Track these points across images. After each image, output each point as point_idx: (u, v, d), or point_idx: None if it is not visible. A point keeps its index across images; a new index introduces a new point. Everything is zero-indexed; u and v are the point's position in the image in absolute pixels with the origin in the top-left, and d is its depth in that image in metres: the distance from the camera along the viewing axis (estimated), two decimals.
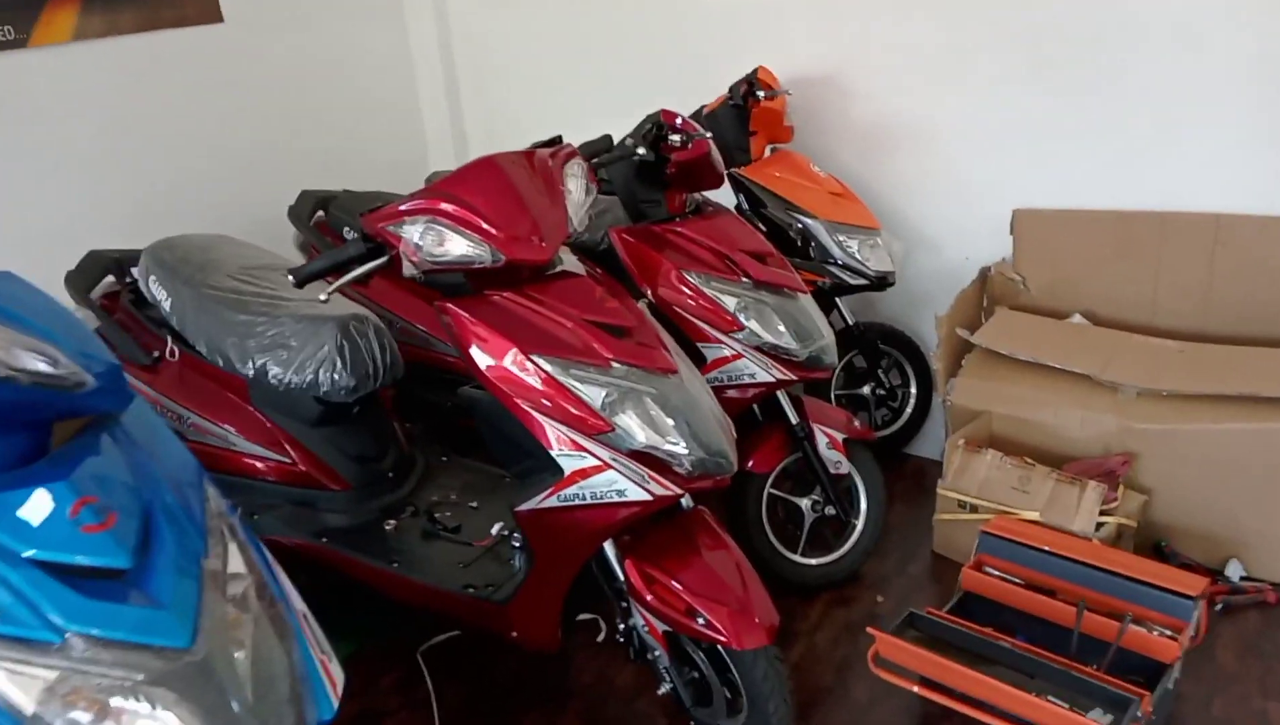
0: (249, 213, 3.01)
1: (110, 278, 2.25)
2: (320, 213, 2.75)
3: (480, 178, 1.67)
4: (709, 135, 2.14)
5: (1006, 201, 2.80)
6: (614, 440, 1.62)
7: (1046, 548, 2.08)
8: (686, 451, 1.64)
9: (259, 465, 2.09)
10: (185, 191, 2.92)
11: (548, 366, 1.62)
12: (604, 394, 1.62)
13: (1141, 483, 2.35)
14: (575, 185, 1.79)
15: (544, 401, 1.61)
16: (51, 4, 2.55)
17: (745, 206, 2.79)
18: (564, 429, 1.62)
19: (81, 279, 2.18)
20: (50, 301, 1.15)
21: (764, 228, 2.75)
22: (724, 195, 2.48)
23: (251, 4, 3.05)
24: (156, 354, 2.13)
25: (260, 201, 2.97)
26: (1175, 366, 2.39)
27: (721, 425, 1.72)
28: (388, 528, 2.11)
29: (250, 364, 1.98)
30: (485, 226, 1.62)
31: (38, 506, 1.01)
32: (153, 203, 2.84)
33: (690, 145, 2.11)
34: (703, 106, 2.84)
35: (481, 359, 1.64)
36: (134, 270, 2.21)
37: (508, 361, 1.62)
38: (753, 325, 2.13)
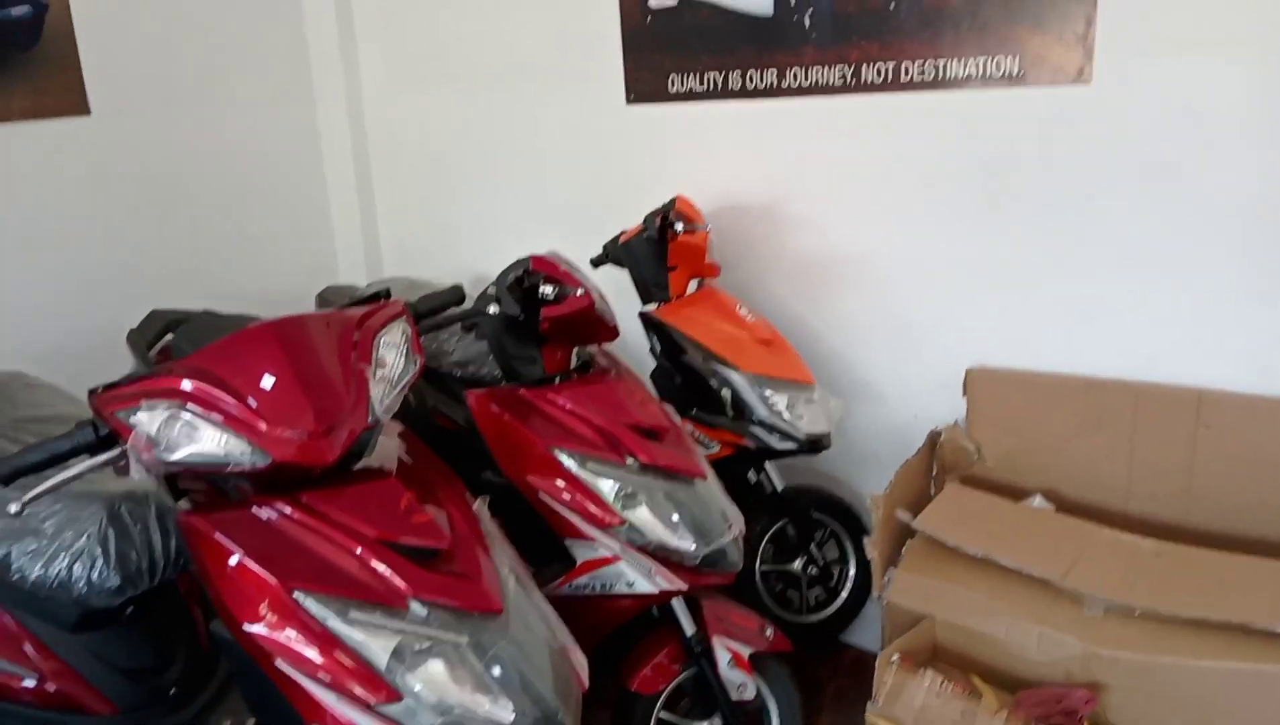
0: (104, 334, 2.62)
1: None
2: (170, 336, 2.37)
3: (249, 350, 1.29)
4: (593, 290, 1.77)
5: (961, 354, 2.45)
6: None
7: None
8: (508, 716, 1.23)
9: None
10: (31, 309, 2.54)
11: (317, 609, 1.21)
12: (392, 645, 1.21)
13: (1110, 722, 1.94)
14: (392, 357, 1.41)
15: (318, 663, 1.20)
16: None
17: (659, 352, 2.42)
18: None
19: None
20: None
21: (680, 378, 2.38)
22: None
23: (124, 92, 2.71)
24: None
25: (120, 321, 2.59)
26: (1151, 576, 2.00)
27: (547, 696, 1.30)
28: None
29: None
30: (248, 417, 1.23)
31: None
32: None
33: (566, 300, 1.74)
34: (621, 232, 2.50)
35: (231, 594, 1.23)
36: None
37: (264, 608, 1.21)
38: (637, 517, 1.74)
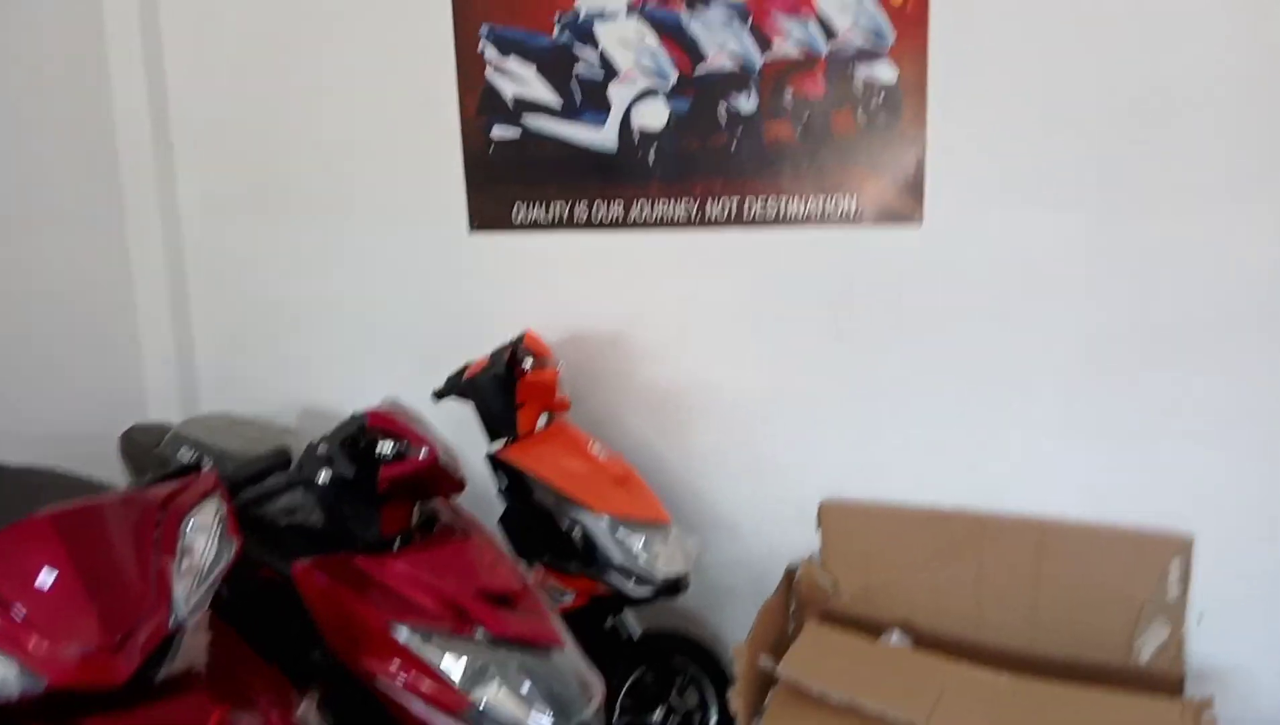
0: None
1: None
2: None
3: (22, 549, 1.08)
4: (436, 445, 1.64)
5: (815, 486, 2.44)
6: None
7: None
8: None
9: None
10: None
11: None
12: None
13: None
14: (202, 542, 1.22)
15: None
16: None
17: (508, 493, 2.28)
18: None
19: None
20: None
21: (530, 521, 2.24)
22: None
23: None
24: None
25: None
26: (1009, 714, 1.99)
27: None
28: None
29: None
30: (15, 631, 1.02)
31: None
32: None
33: (407, 458, 1.60)
34: (466, 366, 2.38)
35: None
36: None
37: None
38: (488, 696, 1.57)
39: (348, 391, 2.86)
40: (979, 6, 2.10)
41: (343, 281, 2.88)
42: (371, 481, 1.62)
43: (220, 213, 2.96)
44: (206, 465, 1.57)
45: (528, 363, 2.27)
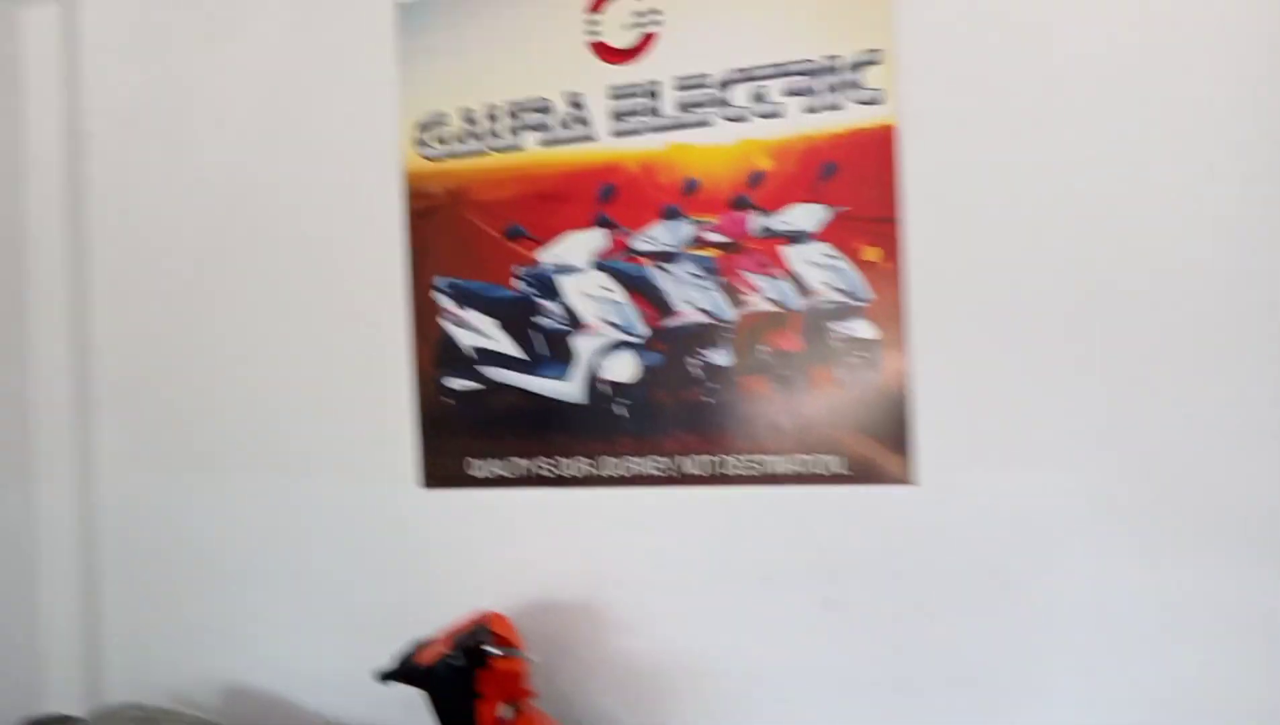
0: None
1: None
2: None
3: None
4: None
5: None
6: None
7: None
8: None
9: None
10: None
11: None
12: None
13: None
14: None
15: None
16: None
17: None
18: None
19: None
20: None
21: None
22: None
23: None
24: None
25: None
26: None
27: None
28: None
29: None
30: None
31: None
32: None
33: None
34: (418, 644, 2.12)
35: None
36: None
37: None
38: None
39: (280, 666, 2.56)
40: (957, 262, 2.07)
41: (278, 542, 2.62)
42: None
43: (142, 466, 2.71)
44: None
45: (494, 651, 2.02)
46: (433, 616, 2.30)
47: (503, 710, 2.12)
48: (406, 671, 2.10)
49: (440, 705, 2.07)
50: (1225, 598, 1.94)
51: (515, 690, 2.08)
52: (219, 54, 2.66)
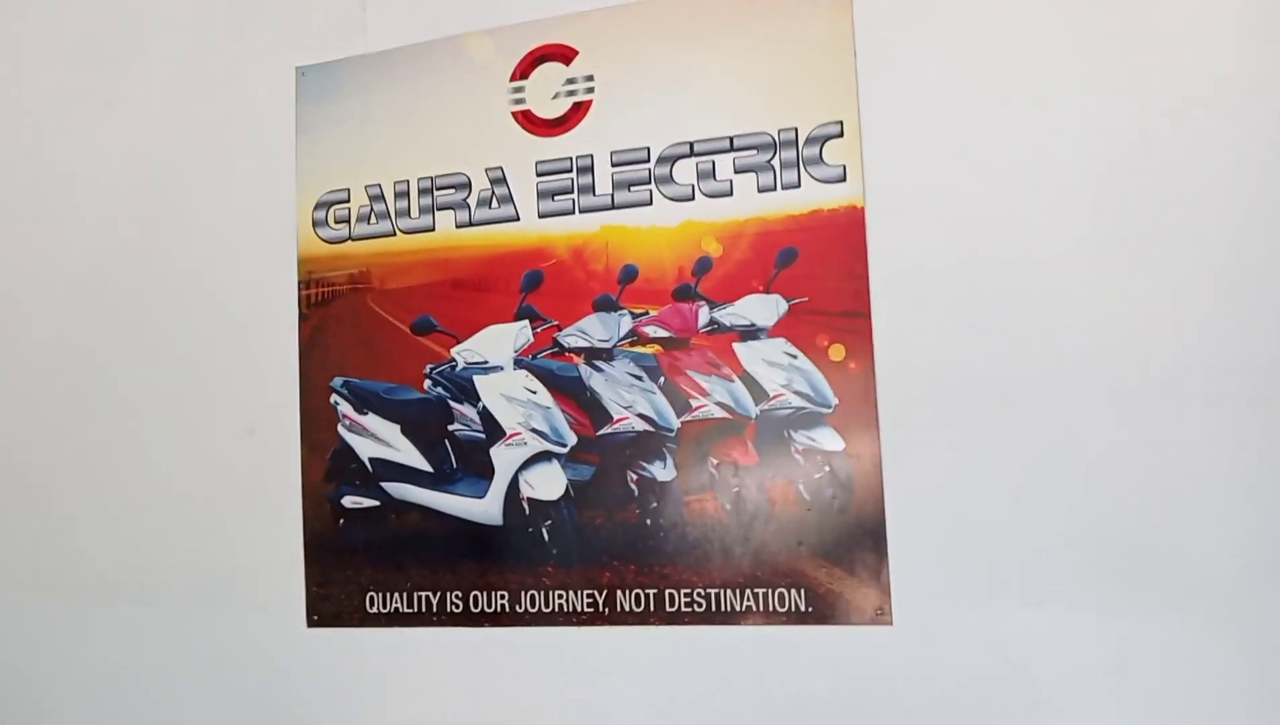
0: None
1: None
2: None
3: None
4: None
5: None
6: None
7: None
8: None
9: None
10: None
11: None
12: None
13: None
14: None
15: None
16: None
17: None
18: None
19: None
20: None
21: None
22: None
23: None
24: None
25: None
26: None
27: None
28: None
29: None
30: None
31: None
32: None
33: None
34: None
35: None
36: None
37: None
38: None
39: None
40: (935, 363, 1.79)
41: (137, 687, 2.18)
42: None
43: None
44: None
45: None
46: None
47: None
48: None
49: None
50: None
51: None
52: (93, 122, 2.33)
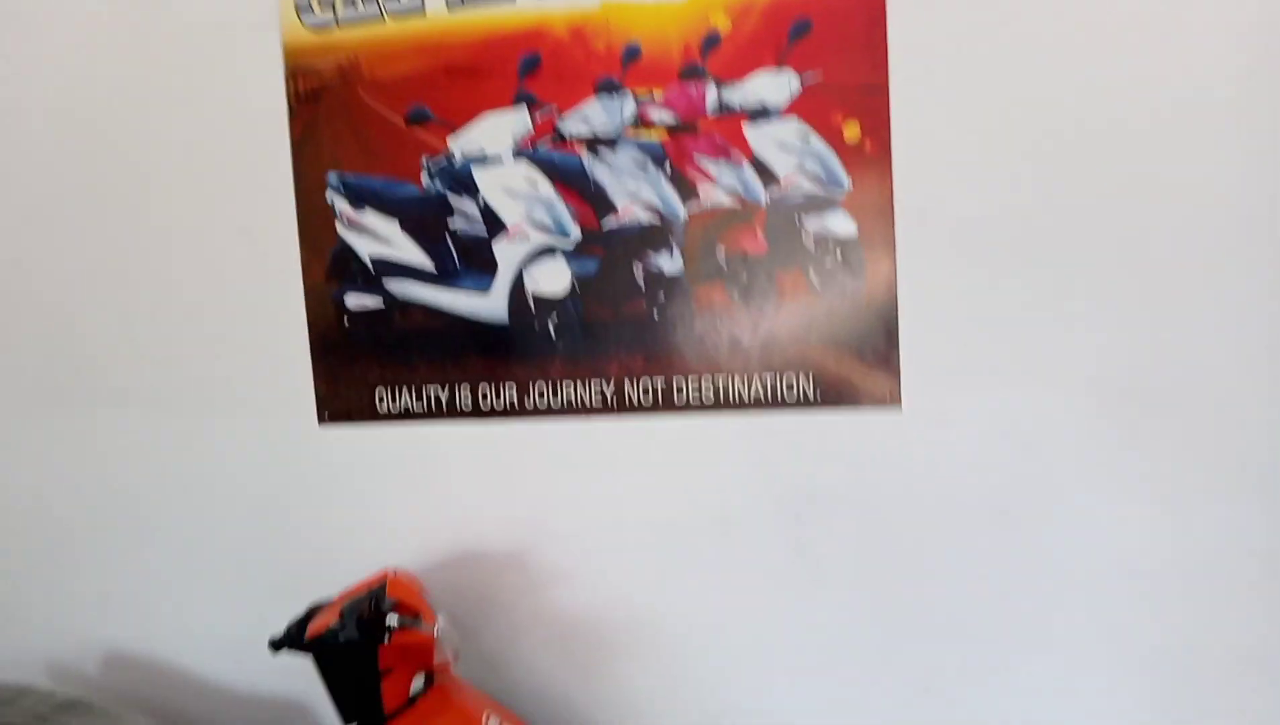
0: None
1: None
2: None
3: None
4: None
5: None
6: None
7: None
8: None
9: None
10: None
11: None
12: None
13: None
14: None
15: None
16: None
17: None
18: None
19: None
20: None
21: None
22: None
23: None
24: None
25: None
26: None
27: None
28: None
29: None
30: None
31: None
32: None
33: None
34: (313, 609, 1.77)
35: None
36: None
37: None
38: None
39: (162, 628, 2.21)
40: (955, 143, 1.70)
41: (158, 491, 2.23)
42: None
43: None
44: None
45: (392, 619, 1.66)
46: (337, 573, 1.97)
47: (416, 683, 1.78)
48: (296, 642, 1.75)
49: (332, 682, 1.72)
50: (1251, 541, 1.65)
51: (426, 662, 1.74)
52: None
